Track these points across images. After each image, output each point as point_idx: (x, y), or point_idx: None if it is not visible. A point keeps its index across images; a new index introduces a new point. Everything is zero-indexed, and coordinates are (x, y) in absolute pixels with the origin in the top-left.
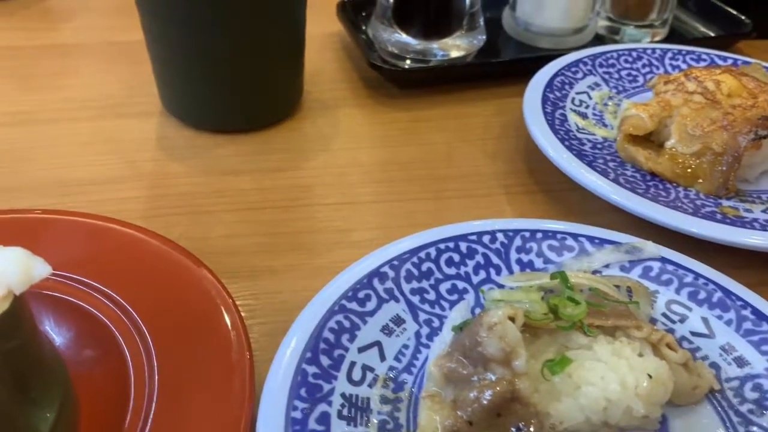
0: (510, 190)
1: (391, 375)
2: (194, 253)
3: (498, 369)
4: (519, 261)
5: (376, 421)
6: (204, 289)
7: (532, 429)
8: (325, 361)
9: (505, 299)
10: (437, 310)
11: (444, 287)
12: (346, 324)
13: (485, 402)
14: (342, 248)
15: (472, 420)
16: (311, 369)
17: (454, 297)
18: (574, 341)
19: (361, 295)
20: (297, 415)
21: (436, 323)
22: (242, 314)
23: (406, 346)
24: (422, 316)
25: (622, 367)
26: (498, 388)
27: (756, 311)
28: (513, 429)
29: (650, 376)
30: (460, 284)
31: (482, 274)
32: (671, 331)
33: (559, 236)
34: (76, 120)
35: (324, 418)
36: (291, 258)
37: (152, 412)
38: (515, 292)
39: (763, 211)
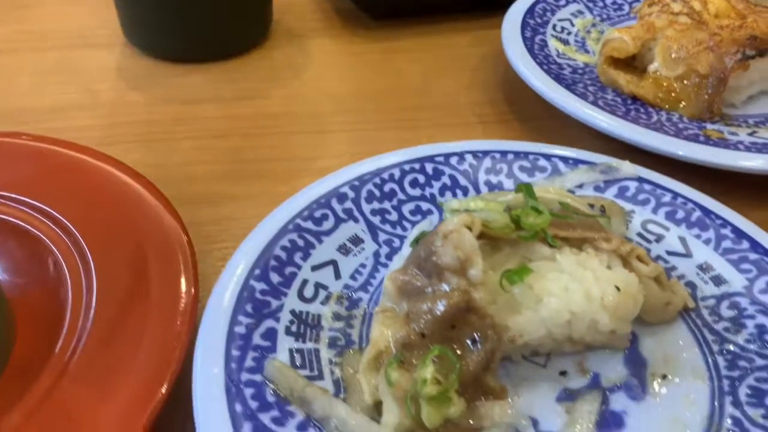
0: (486, 119)
1: (346, 293)
2: (151, 179)
3: (453, 279)
4: (488, 183)
5: (326, 337)
6: (150, 209)
7: (488, 342)
8: (275, 278)
9: (463, 208)
10: (398, 231)
11: (407, 208)
12: (300, 243)
13: (438, 313)
14: (307, 176)
15: (425, 332)
16: (259, 285)
17: (418, 218)
18: (536, 253)
19: (317, 214)
20: (241, 330)
21: (396, 243)
22: (201, 239)
23: (363, 265)
24: (382, 237)
25: (588, 278)
26: (452, 298)
27: (736, 230)
28: (468, 341)
29: (618, 289)
30: (425, 205)
31: (448, 196)
32: (647, 251)
33: (531, 157)
34: (37, 51)
35: (270, 334)
36: (253, 185)
37: (87, 330)
38: (474, 200)
39: (749, 135)
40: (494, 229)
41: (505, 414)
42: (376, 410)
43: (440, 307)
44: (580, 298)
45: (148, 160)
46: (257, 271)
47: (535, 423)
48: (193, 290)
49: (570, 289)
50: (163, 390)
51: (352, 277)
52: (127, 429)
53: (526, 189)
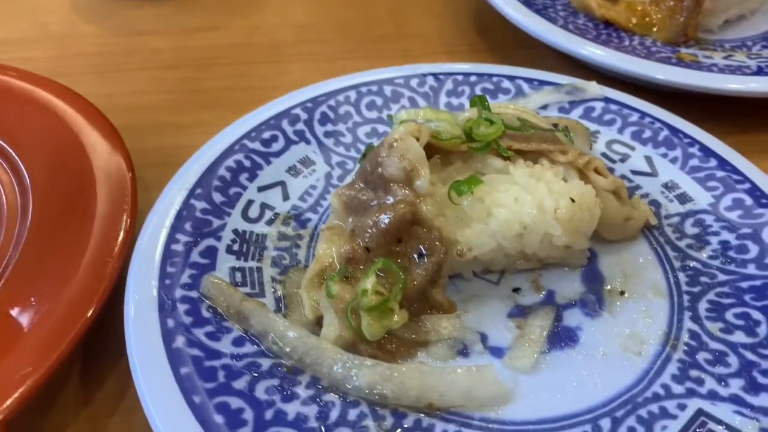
0: (454, 49)
1: (294, 213)
2: (99, 108)
3: (399, 191)
4: (449, 105)
5: (270, 256)
6: (91, 133)
7: (435, 255)
8: (218, 197)
9: (411, 118)
10: (353, 153)
11: (362, 131)
12: (247, 163)
13: (383, 226)
14: (260, 106)
15: (370, 246)
16: (200, 204)
17: (373, 140)
18: (489, 166)
19: (266, 135)
20: (178, 247)
21: (350, 165)
22: (148, 165)
23: (314, 187)
24: (335, 159)
25: (541, 190)
26: (397, 211)
27: (704, 148)
28: (414, 255)
29: (573, 200)
30: (381, 128)
31: None
32: (611, 170)
33: (494, 78)
34: None
35: (210, 252)
36: (204, 115)
37: (21, 247)
38: (424, 111)
39: (724, 58)
40: (444, 141)
41: (452, 328)
42: (317, 326)
43: (385, 219)
44: (532, 209)
45: (98, 90)
46: (199, 191)
47: (483, 338)
48: (129, 210)
49: (521, 200)
50: (94, 306)
51: (302, 199)
52: (56, 343)
53: (480, 100)
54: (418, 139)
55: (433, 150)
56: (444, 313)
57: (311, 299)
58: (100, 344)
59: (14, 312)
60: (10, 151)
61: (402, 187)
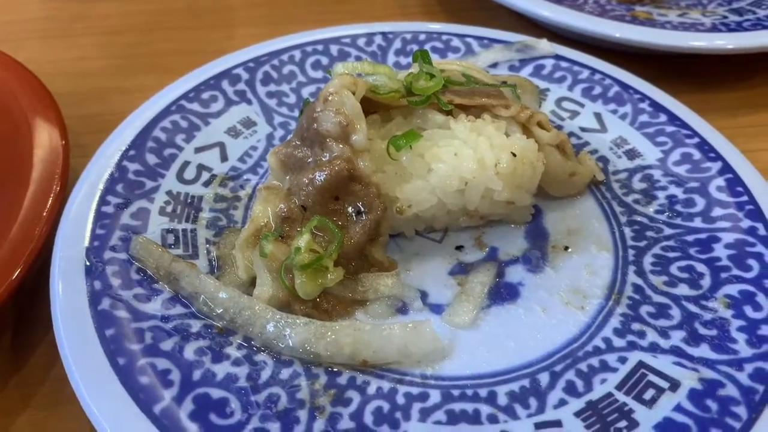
0: (408, 11)
1: (232, 174)
2: (40, 76)
3: (335, 147)
4: (397, 64)
5: (206, 218)
6: (25, 98)
7: (373, 212)
8: (151, 159)
9: (349, 72)
10: (296, 114)
11: (307, 90)
12: (183, 124)
13: (319, 183)
14: None
15: (306, 204)
16: (133, 166)
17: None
18: (430, 121)
19: (205, 96)
20: (108, 209)
21: (293, 126)
22: (88, 133)
23: (254, 148)
24: (278, 119)
25: (482, 144)
26: (333, 167)
27: (654, 103)
28: (353, 212)
29: (514, 155)
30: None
31: None
32: (559, 128)
33: (444, 37)
34: None
35: (141, 214)
36: (148, 79)
37: None
38: (362, 64)
39: (679, 16)
40: (382, 95)
41: (392, 286)
42: (251, 287)
43: (321, 176)
44: (473, 164)
45: (42, 57)
46: (132, 152)
47: (424, 295)
48: (60, 174)
49: (461, 154)
50: (20, 268)
51: (241, 160)
52: None
53: (421, 54)
54: (354, 93)
55: (372, 106)
56: (384, 271)
57: (246, 260)
58: (31, 315)
59: None
60: None
61: (338, 142)
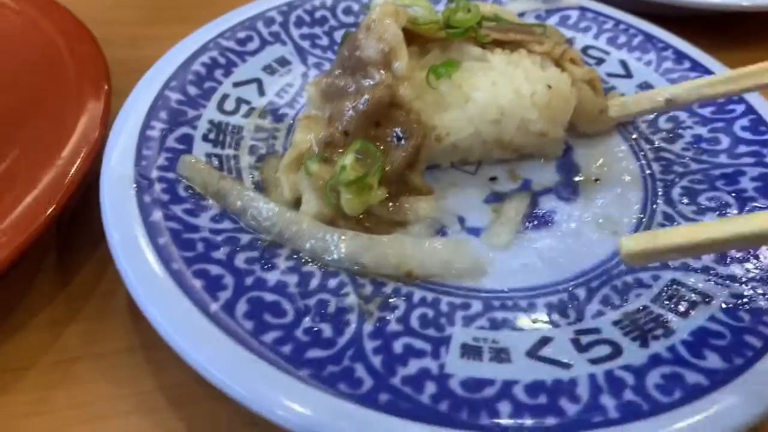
0: None
1: (270, 108)
2: None
3: (376, 73)
4: None
5: (247, 146)
6: (61, 25)
7: (413, 138)
8: (192, 90)
9: (389, 2)
10: (329, 55)
11: (339, 34)
12: (221, 60)
13: (361, 108)
14: None
15: (348, 129)
16: (175, 96)
17: None
18: (467, 54)
19: (241, 35)
20: (154, 133)
21: (327, 66)
22: (121, 75)
23: (290, 85)
24: (312, 60)
25: (518, 76)
26: (375, 93)
27: (677, 51)
28: (394, 138)
29: (549, 87)
30: None
31: None
32: None
33: None
34: None
35: (185, 139)
36: (176, 28)
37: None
38: None
39: None
40: (422, 26)
41: (430, 210)
42: (295, 207)
43: (363, 102)
44: (510, 93)
45: (70, 4)
46: (174, 83)
47: (461, 220)
48: (104, 101)
49: (498, 84)
50: (71, 178)
51: (278, 95)
52: (34, 216)
53: None
54: (395, 22)
55: (411, 38)
56: (421, 196)
57: (289, 181)
58: (75, 236)
59: None
60: None
61: (380, 69)
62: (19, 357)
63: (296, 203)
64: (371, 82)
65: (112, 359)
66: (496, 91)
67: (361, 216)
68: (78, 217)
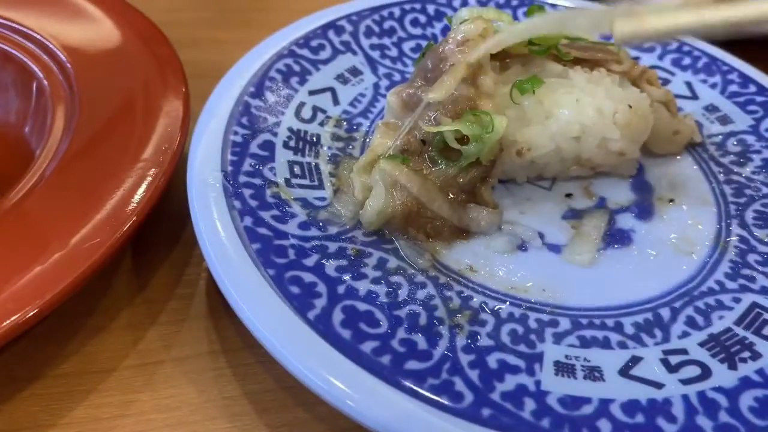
0: None
1: (345, 117)
2: None
3: (461, 86)
4: None
5: (326, 154)
6: (136, 28)
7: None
8: (270, 97)
9: (475, 16)
10: (399, 66)
11: (407, 45)
12: (296, 68)
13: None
14: None
15: (426, 138)
16: (254, 102)
17: (418, 56)
18: (548, 71)
19: (313, 44)
20: (237, 138)
21: (397, 77)
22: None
23: (362, 95)
24: (382, 70)
25: (600, 94)
26: (456, 106)
27: (742, 75)
28: None
29: (630, 107)
30: (426, 44)
31: None
32: None
33: (537, 2)
34: None
35: (268, 145)
36: (240, 33)
37: (68, 142)
38: (486, 10)
39: None
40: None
41: (492, 222)
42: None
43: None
44: (592, 111)
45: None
46: (252, 89)
47: (541, 235)
48: (183, 105)
49: (581, 102)
50: (159, 180)
51: (352, 104)
52: (121, 218)
53: (538, 8)
54: (484, 38)
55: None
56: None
57: (363, 181)
58: (150, 240)
59: (80, 190)
60: (60, 54)
61: (465, 83)
62: (102, 360)
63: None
64: (456, 94)
65: (194, 363)
66: (578, 108)
67: (424, 220)
68: (149, 219)
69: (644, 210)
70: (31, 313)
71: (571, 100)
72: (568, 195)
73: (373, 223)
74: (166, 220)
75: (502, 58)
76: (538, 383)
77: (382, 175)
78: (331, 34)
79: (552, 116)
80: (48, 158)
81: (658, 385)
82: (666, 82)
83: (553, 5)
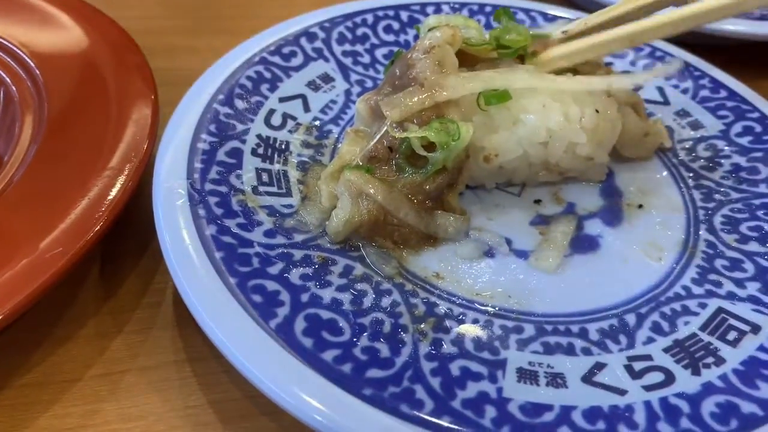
0: None
1: (316, 124)
2: None
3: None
4: None
5: (295, 161)
6: (106, 35)
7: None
8: (240, 104)
9: (442, 24)
10: (371, 73)
11: (380, 52)
12: (267, 75)
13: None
14: None
15: (393, 145)
16: (223, 109)
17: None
18: (517, 76)
19: (285, 50)
20: (204, 146)
21: (369, 84)
22: (160, 85)
23: (334, 102)
24: (354, 77)
25: (567, 99)
26: (424, 114)
27: (714, 80)
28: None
29: (597, 111)
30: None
31: None
32: None
33: (510, 11)
34: None
35: (235, 153)
36: (215, 40)
37: (35, 148)
38: (454, 17)
39: None
40: (475, 46)
41: (459, 228)
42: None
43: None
44: (559, 116)
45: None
46: (221, 96)
47: (508, 241)
48: (151, 112)
49: (548, 107)
50: (123, 187)
51: (323, 111)
52: (86, 225)
53: (504, 12)
54: (452, 45)
55: (461, 57)
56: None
57: (329, 189)
58: (118, 248)
59: (45, 198)
60: (29, 60)
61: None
62: (67, 369)
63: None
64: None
65: (160, 372)
66: (545, 113)
67: (390, 227)
68: (117, 227)
69: (613, 215)
70: None
71: (537, 105)
72: (537, 201)
73: (339, 233)
74: (135, 227)
75: (470, 63)
76: (500, 390)
77: (348, 186)
78: (303, 41)
79: (519, 122)
80: (15, 166)
81: (621, 392)
82: (638, 87)
83: (527, 10)
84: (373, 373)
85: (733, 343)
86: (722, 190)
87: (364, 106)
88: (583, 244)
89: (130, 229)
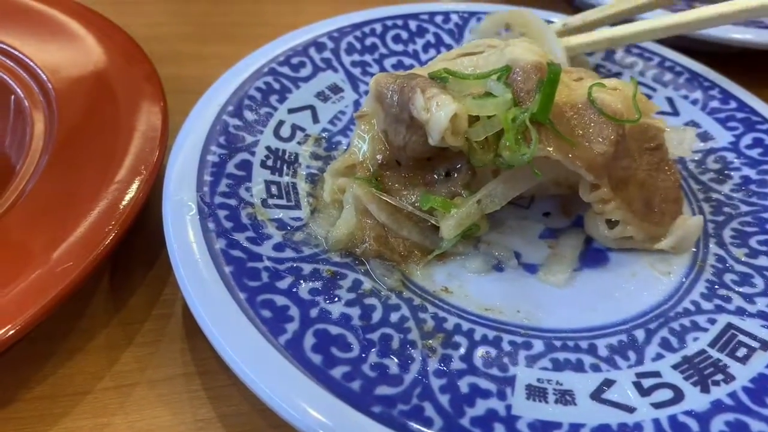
0: None
1: (324, 136)
2: None
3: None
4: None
5: (304, 173)
6: (118, 47)
7: (461, 177)
8: (249, 116)
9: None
10: None
11: (389, 62)
12: (276, 86)
13: (412, 150)
14: None
15: (401, 160)
16: (233, 121)
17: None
18: None
19: (294, 61)
20: (214, 158)
21: None
22: (168, 93)
23: (342, 113)
24: (363, 87)
25: None
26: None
27: (723, 91)
28: (442, 173)
29: None
30: (407, 61)
31: (432, 53)
32: None
33: None
34: None
35: (245, 165)
36: (222, 48)
37: (46, 160)
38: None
39: None
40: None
41: (468, 242)
42: (337, 209)
43: (416, 142)
44: None
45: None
46: (230, 108)
47: (517, 255)
48: (161, 122)
49: None
50: (133, 201)
51: (331, 122)
52: (96, 239)
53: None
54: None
55: None
56: None
57: (333, 183)
58: (127, 259)
59: (56, 209)
60: (39, 70)
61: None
62: (77, 382)
63: (336, 206)
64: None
65: (169, 386)
66: None
67: (397, 240)
68: (127, 238)
69: None
70: (6, 336)
71: None
72: (546, 214)
73: (339, 242)
74: (146, 239)
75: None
76: (508, 408)
77: (354, 200)
78: (312, 51)
79: None
80: (26, 177)
81: (630, 409)
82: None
83: None
84: (382, 390)
85: (743, 360)
86: (732, 203)
87: (375, 85)
88: (592, 257)
89: (142, 239)
